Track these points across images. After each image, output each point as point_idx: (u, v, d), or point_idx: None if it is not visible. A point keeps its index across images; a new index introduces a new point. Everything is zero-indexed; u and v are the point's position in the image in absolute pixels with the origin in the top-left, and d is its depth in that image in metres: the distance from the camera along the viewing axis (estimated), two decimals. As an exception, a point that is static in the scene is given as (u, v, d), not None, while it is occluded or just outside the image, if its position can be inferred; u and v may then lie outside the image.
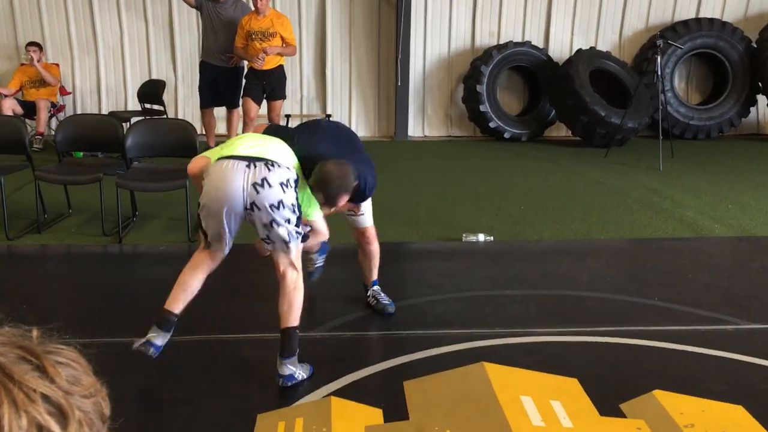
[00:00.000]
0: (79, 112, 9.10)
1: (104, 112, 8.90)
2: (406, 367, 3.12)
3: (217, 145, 3.74)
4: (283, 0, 9.14)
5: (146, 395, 2.96)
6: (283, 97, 7.13)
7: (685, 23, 9.34)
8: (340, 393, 2.89)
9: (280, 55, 6.87)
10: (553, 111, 9.20)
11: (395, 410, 2.75)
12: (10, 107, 7.89)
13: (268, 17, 6.74)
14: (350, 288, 4.01)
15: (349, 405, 2.80)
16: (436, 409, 2.78)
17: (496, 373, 3.07)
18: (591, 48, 9.23)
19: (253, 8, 6.86)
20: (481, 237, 4.97)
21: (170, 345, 3.32)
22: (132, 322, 3.59)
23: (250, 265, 4.06)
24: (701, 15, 9.55)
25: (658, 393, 2.87)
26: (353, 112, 9.62)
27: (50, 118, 8.33)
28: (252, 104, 6.96)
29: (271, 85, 6.96)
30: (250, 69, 6.93)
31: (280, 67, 6.95)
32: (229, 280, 4.38)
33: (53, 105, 8.30)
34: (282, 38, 6.79)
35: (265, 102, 7.15)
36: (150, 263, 4.62)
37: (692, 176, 7.15)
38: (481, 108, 8.99)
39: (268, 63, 6.76)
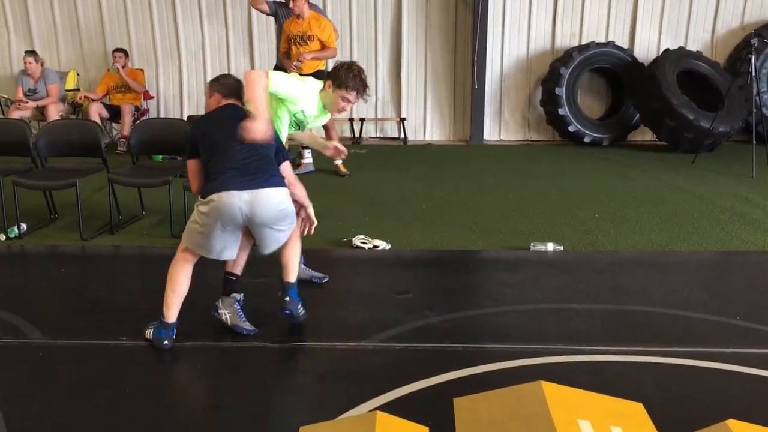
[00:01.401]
0: (162, 115, 9.42)
1: (185, 115, 9.16)
2: (458, 383, 2.99)
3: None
4: (359, 2, 9.15)
5: (193, 399, 2.95)
6: None
7: (784, 20, 8.73)
8: (386, 407, 2.78)
9: (317, 59, 6.83)
10: (638, 114, 8.78)
11: (442, 428, 2.63)
12: (97, 111, 8.23)
13: (306, 20, 6.72)
14: (406, 298, 3.91)
15: (394, 421, 2.69)
16: (486, 429, 2.63)
17: (553, 393, 2.88)
18: (680, 48, 8.76)
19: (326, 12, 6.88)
20: (551, 246, 4.75)
21: (218, 350, 3.33)
22: (188, 322, 3.61)
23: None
24: (803, 11, 8.91)
25: (732, 423, 2.62)
26: (428, 116, 9.51)
27: (134, 121, 8.63)
28: None
29: None
30: None
31: (319, 71, 6.89)
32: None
33: (137, 109, 8.60)
34: (320, 41, 6.76)
35: None
36: (212, 266, 4.64)
37: (788, 184, 6.65)
38: (560, 111, 8.69)
39: (306, 67, 6.72)
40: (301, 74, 6.79)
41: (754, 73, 7.49)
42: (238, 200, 3.19)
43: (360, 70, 3.67)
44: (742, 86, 8.26)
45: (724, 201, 6.06)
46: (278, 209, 3.30)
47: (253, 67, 9.32)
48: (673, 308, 3.79)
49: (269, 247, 3.42)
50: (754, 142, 7.17)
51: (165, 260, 4.73)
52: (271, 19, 8.56)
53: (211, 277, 3.69)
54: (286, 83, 3.64)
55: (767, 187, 6.50)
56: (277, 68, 7.36)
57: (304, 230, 3.80)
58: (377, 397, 2.86)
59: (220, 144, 3.35)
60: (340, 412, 2.77)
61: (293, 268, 3.54)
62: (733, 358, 3.16)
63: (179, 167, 5.56)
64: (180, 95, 9.52)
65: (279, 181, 3.35)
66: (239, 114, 3.41)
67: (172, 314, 3.37)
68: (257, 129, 3.24)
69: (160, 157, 6.81)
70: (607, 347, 3.31)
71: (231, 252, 3.43)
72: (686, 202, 6.07)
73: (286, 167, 3.56)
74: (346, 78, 3.61)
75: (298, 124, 3.84)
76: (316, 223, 3.83)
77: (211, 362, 3.24)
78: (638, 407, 2.76)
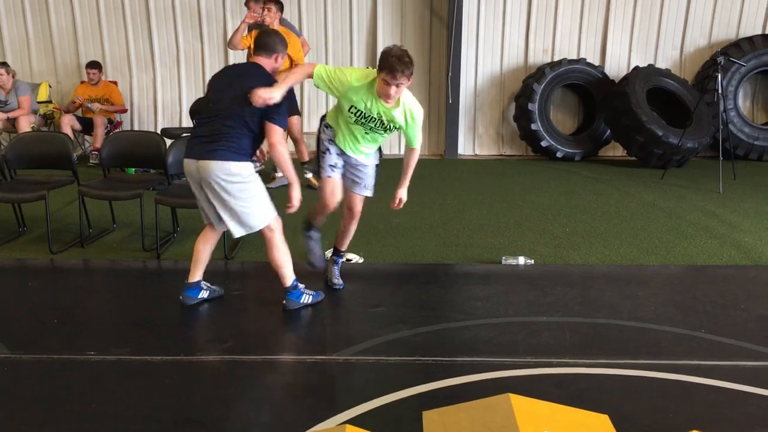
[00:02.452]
0: (136, 128, 9.36)
1: (159, 128, 9.11)
2: (428, 396, 3.01)
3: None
4: (334, 16, 9.20)
5: (161, 414, 2.93)
6: (296, 113, 7.04)
7: (750, 40, 8.95)
8: (355, 421, 2.79)
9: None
10: (608, 130, 8.93)
11: (411, 442, 2.64)
12: (69, 123, 8.15)
13: None
14: (378, 312, 3.92)
15: (363, 435, 2.70)
16: (454, 442, 2.64)
17: (521, 405, 2.91)
18: (649, 65, 8.93)
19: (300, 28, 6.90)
20: (522, 260, 4.80)
21: (189, 364, 3.31)
22: (155, 338, 3.59)
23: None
24: (768, 31, 9.14)
25: (695, 435, 2.67)
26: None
27: (107, 134, 8.56)
28: None
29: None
30: None
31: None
32: (260, 297, 4.36)
33: (110, 121, 8.54)
34: (289, 57, 6.78)
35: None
36: (183, 279, 4.63)
37: (754, 199, 6.79)
38: (533, 126, 8.80)
39: None
40: None
41: (720, 91, 7.66)
42: (193, 168, 3.71)
43: (394, 50, 3.62)
44: (710, 103, 8.44)
45: (691, 216, 6.17)
46: (220, 181, 3.63)
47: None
48: (640, 321, 3.85)
49: (232, 223, 3.77)
50: (721, 158, 7.32)
51: (135, 274, 4.72)
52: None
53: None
54: (326, 74, 3.79)
55: (734, 203, 6.64)
56: None
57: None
58: (347, 411, 2.87)
59: (209, 103, 3.83)
60: (310, 425, 2.76)
61: (284, 274, 3.89)
62: (697, 371, 3.22)
63: (151, 180, 5.54)
64: (154, 108, 9.47)
65: (227, 154, 3.61)
66: (244, 73, 3.85)
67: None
68: (263, 95, 3.57)
69: (133, 170, 6.77)
70: (575, 360, 3.35)
71: (213, 219, 3.87)
72: (655, 216, 6.17)
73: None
74: (381, 61, 3.62)
75: (369, 123, 3.87)
76: (295, 205, 3.93)
77: (180, 376, 3.22)
78: (604, 419, 2.79)
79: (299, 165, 7.24)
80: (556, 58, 9.16)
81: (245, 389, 3.09)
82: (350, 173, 4.11)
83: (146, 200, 5.05)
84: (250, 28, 7.07)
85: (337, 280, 4.34)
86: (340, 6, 9.21)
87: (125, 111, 8.92)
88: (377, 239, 5.40)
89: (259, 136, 3.77)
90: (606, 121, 8.86)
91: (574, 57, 9.17)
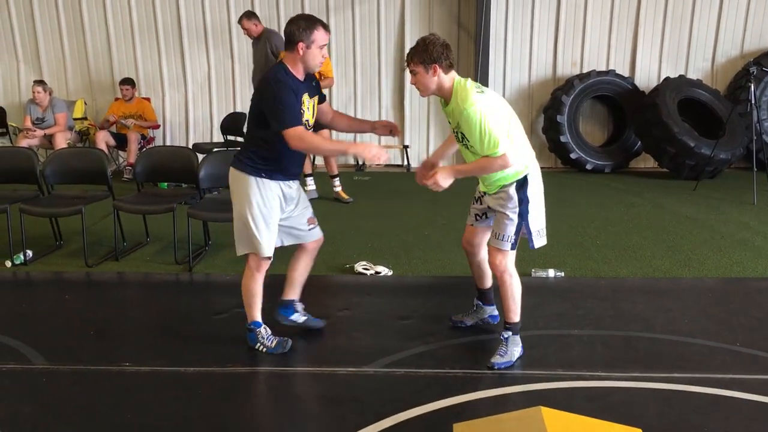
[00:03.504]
0: (168, 143, 9.52)
1: (191, 144, 9.25)
2: (458, 409, 3.00)
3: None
4: (362, 30, 9.28)
5: (192, 423, 2.96)
6: (325, 127, 7.10)
7: (783, 49, 8.82)
8: (386, 433, 2.80)
9: None
10: (639, 142, 8.84)
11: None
12: (104, 139, 8.33)
13: None
14: (408, 324, 3.93)
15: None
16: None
17: (553, 419, 2.89)
18: (680, 76, 8.84)
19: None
20: (552, 272, 4.78)
21: (221, 375, 3.35)
22: (188, 350, 3.64)
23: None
24: (802, 40, 9.00)
25: (731, 449, 2.63)
26: (431, 144, 9.59)
27: (141, 149, 8.72)
28: None
29: None
30: None
31: None
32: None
33: (143, 137, 8.70)
34: (319, 72, 6.86)
35: None
36: (215, 292, 4.69)
37: (790, 211, 6.67)
38: (562, 138, 8.76)
39: None
40: None
41: (753, 101, 7.56)
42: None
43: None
44: (743, 114, 8.31)
45: (725, 228, 6.08)
46: (231, 187, 3.51)
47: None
48: (673, 334, 3.80)
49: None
50: (755, 169, 7.21)
51: (168, 286, 4.80)
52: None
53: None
54: None
55: (769, 214, 6.53)
56: None
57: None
58: (377, 423, 2.88)
59: None
60: (341, 437, 2.78)
61: (292, 285, 3.80)
62: (733, 385, 3.17)
63: (184, 194, 5.63)
64: (186, 124, 9.63)
65: (235, 162, 3.47)
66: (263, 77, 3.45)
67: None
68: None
69: (165, 184, 6.88)
70: (607, 373, 3.32)
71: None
72: (688, 229, 6.09)
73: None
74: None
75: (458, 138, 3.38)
76: (375, 154, 3.32)
77: (213, 387, 3.26)
78: (637, 433, 2.77)
79: (328, 178, 7.31)
80: (585, 70, 9.12)
81: (277, 401, 3.12)
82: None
83: (178, 214, 5.13)
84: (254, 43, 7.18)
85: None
86: (368, 21, 9.29)
87: (158, 127, 9.09)
88: (406, 252, 5.41)
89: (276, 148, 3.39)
90: (636, 132, 8.78)
91: (603, 68, 9.12)
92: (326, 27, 3.31)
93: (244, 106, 9.43)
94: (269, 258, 3.53)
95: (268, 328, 3.64)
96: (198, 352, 3.63)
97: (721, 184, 8.06)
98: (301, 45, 3.22)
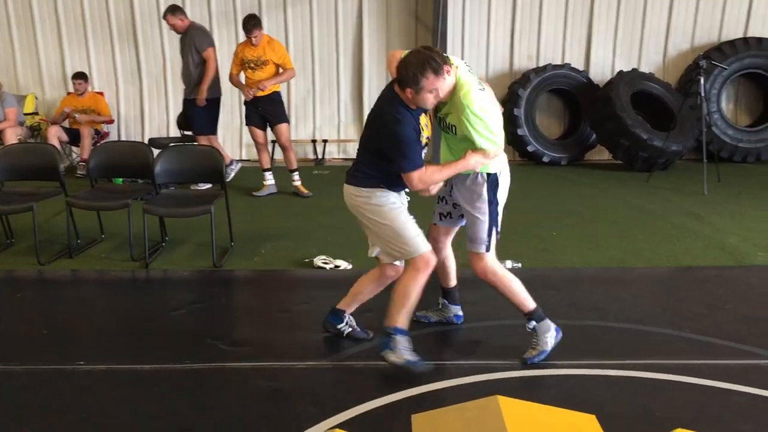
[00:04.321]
0: (123, 138, 9.35)
1: (146, 138, 9.11)
2: (417, 400, 3.03)
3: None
4: (320, 23, 9.25)
5: (151, 423, 2.93)
6: (284, 121, 7.08)
7: (731, 43, 9.06)
8: (345, 426, 2.81)
9: (278, 83, 6.95)
10: (594, 134, 9.00)
11: (401, 445, 2.67)
12: (56, 135, 8.14)
13: (260, 45, 6.80)
14: (367, 317, 3.93)
15: (352, 439, 2.73)
16: (443, 444, 2.67)
17: (510, 407, 2.94)
18: (633, 70, 9.02)
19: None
20: (509, 264, 4.84)
21: (179, 372, 3.32)
22: (143, 347, 3.60)
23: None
24: (749, 34, 9.25)
25: (680, 432, 2.71)
26: (390, 137, 9.60)
27: (95, 144, 8.55)
28: (256, 131, 7.06)
29: (267, 112, 6.97)
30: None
31: (275, 93, 6.97)
32: (249, 305, 4.37)
33: (97, 132, 8.53)
34: (275, 64, 6.85)
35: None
36: (171, 288, 4.64)
37: (738, 201, 6.87)
38: (519, 132, 8.86)
39: (259, 91, 6.86)
40: (258, 98, 6.91)
41: (704, 94, 7.75)
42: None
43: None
44: (693, 106, 8.53)
45: (677, 218, 6.23)
46: (349, 204, 3.40)
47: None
48: (627, 323, 3.89)
49: (371, 242, 3.50)
50: (705, 161, 7.41)
51: (124, 284, 4.73)
52: (232, 42, 8.66)
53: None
54: None
55: (718, 204, 6.71)
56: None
57: None
58: (336, 416, 2.89)
59: None
60: (300, 431, 2.78)
61: (351, 298, 3.66)
62: (683, 370, 3.26)
63: (139, 190, 5.54)
64: (141, 118, 9.47)
65: (351, 179, 3.35)
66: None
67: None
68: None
69: (120, 180, 6.77)
70: (562, 361, 3.38)
71: (376, 250, 3.51)
72: (641, 219, 6.23)
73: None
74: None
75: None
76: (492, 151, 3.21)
77: (170, 385, 3.22)
78: (591, 419, 2.83)
79: (287, 172, 7.28)
80: (541, 64, 9.24)
81: (235, 397, 3.10)
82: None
83: (134, 210, 5.06)
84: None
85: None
86: (326, 14, 9.26)
87: (112, 122, 8.92)
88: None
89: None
90: (591, 125, 8.94)
91: (559, 62, 9.25)
92: (437, 70, 3.01)
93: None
94: (431, 250, 3.34)
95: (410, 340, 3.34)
96: (155, 349, 3.59)
97: (672, 175, 8.26)
98: (409, 90, 3.06)
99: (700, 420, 2.79)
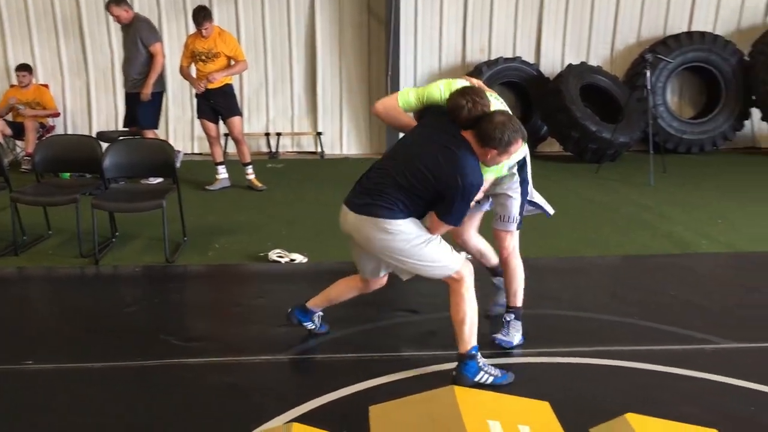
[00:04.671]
0: (69, 132, 9.10)
1: (94, 132, 8.88)
2: (374, 392, 3.05)
3: None
4: (272, 14, 9.15)
5: (105, 422, 2.88)
6: (236, 114, 7.01)
7: (676, 37, 9.30)
8: (303, 419, 2.81)
9: (230, 75, 6.88)
10: (545, 127, 9.15)
11: (359, 437, 2.68)
12: (-1, 128, 7.89)
13: (211, 37, 6.71)
14: (325, 310, 3.93)
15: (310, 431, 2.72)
16: (401, 434, 2.69)
17: (465, 396, 2.97)
18: (582, 63, 9.19)
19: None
20: (463, 255, 4.87)
21: (132, 369, 3.27)
22: (95, 345, 3.53)
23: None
24: (693, 29, 9.51)
25: (630, 416, 2.77)
26: (344, 129, 9.59)
27: (40, 138, 8.31)
28: (208, 124, 6.99)
29: (219, 105, 6.89)
30: None
31: (226, 86, 6.90)
32: (204, 300, 4.33)
33: (42, 126, 8.29)
34: (227, 56, 6.78)
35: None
36: (123, 285, 4.55)
37: (683, 191, 7.07)
38: (472, 124, 8.93)
39: (214, 84, 6.78)
40: (209, 90, 6.81)
41: (650, 87, 7.94)
42: (343, 218, 3.14)
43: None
44: (640, 99, 8.73)
45: (625, 208, 6.39)
46: (367, 239, 3.05)
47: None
48: (578, 311, 3.98)
49: (400, 273, 3.24)
50: (652, 152, 7.60)
51: (73, 281, 4.62)
52: (182, 33, 8.51)
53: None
54: None
55: (664, 195, 6.90)
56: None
57: None
58: (293, 409, 2.88)
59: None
60: (257, 425, 2.77)
61: (326, 301, 3.53)
62: (630, 356, 3.35)
63: (88, 185, 5.41)
64: (88, 111, 9.24)
65: (376, 211, 2.98)
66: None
67: None
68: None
69: (68, 174, 6.60)
70: (516, 350, 3.45)
71: (368, 271, 3.31)
72: (591, 210, 6.37)
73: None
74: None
75: None
76: None
77: (123, 383, 3.17)
78: (545, 406, 2.88)
79: (240, 166, 7.20)
80: (493, 57, 9.33)
81: (191, 393, 3.06)
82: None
83: (82, 205, 4.94)
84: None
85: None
86: (277, 6, 9.17)
87: (58, 115, 8.68)
88: (321, 239, 5.41)
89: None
90: (542, 117, 9.08)
91: (510, 55, 9.36)
92: (524, 138, 3.04)
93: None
94: (466, 259, 3.22)
95: None
96: (106, 347, 3.52)
97: (621, 166, 8.45)
98: (493, 151, 2.94)
99: (649, 404, 2.87)
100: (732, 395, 2.96)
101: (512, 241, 3.49)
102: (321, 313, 3.60)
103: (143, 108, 7.02)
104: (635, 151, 9.11)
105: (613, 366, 3.26)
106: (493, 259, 3.80)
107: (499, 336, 3.52)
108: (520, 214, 3.46)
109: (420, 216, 3.09)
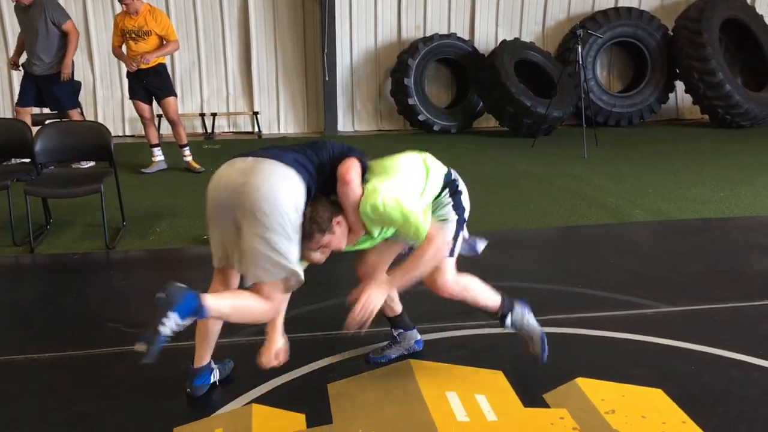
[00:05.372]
0: (-9, 116, 8.68)
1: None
2: (332, 369, 3.06)
3: None
4: (203, -5, 8.93)
5: (57, 412, 2.80)
6: (171, 94, 6.82)
7: (604, 13, 9.55)
8: (261, 400, 2.81)
9: (162, 56, 6.69)
10: (481, 102, 9.27)
11: (319, 414, 2.70)
12: None
13: (141, 15, 6.50)
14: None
15: (270, 412, 2.73)
16: (360, 410, 2.73)
17: (422, 370, 3.04)
18: (515, 39, 9.33)
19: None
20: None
21: (80, 358, 3.18)
22: (37, 335, 3.42)
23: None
24: (620, 4, 9.79)
25: (580, 381, 2.90)
26: (281, 109, 9.48)
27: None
28: (141, 105, 6.79)
29: (153, 85, 6.71)
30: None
31: (160, 65, 6.71)
32: (149, 285, 4.23)
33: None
34: (158, 35, 6.60)
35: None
36: (62, 273, 4.41)
37: (615, 163, 7.32)
38: (410, 101, 8.98)
39: (148, 64, 6.60)
40: (142, 70, 6.60)
41: (581, 62, 8.15)
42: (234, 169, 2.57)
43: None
44: (571, 74, 8.95)
45: (561, 180, 6.57)
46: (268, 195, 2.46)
47: (91, 61, 8.83)
48: (523, 281, 4.08)
49: (241, 264, 2.60)
50: (584, 125, 7.82)
51: (8, 270, 4.44)
52: (110, 12, 8.22)
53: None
54: None
55: (598, 166, 7.12)
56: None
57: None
58: (251, 390, 2.88)
59: None
60: (216, 408, 2.75)
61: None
62: (576, 323, 3.47)
63: (18, 170, 5.19)
64: (10, 92, 8.81)
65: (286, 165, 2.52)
66: None
67: None
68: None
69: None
70: (467, 323, 3.51)
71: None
72: (528, 183, 6.52)
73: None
74: None
75: None
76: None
77: (71, 373, 3.08)
78: (498, 375, 2.98)
79: (176, 148, 7.03)
80: (428, 33, 9.37)
81: (143, 380, 3.01)
82: None
83: (14, 191, 4.73)
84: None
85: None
86: (208, -18, 8.95)
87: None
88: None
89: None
90: (478, 93, 9.19)
91: (446, 32, 9.41)
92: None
93: (76, 74, 8.76)
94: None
95: None
96: (51, 337, 3.41)
97: (555, 140, 8.67)
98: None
99: (597, 368, 2.99)
100: (674, 356, 3.11)
101: (445, 276, 2.83)
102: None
103: (64, 89, 6.76)
104: (568, 125, 9.35)
105: (560, 333, 3.37)
106: (397, 308, 3.17)
107: (535, 352, 2.95)
108: (454, 238, 2.87)
109: None
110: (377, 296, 2.59)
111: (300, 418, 2.68)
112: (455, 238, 2.90)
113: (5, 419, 2.72)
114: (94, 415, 2.74)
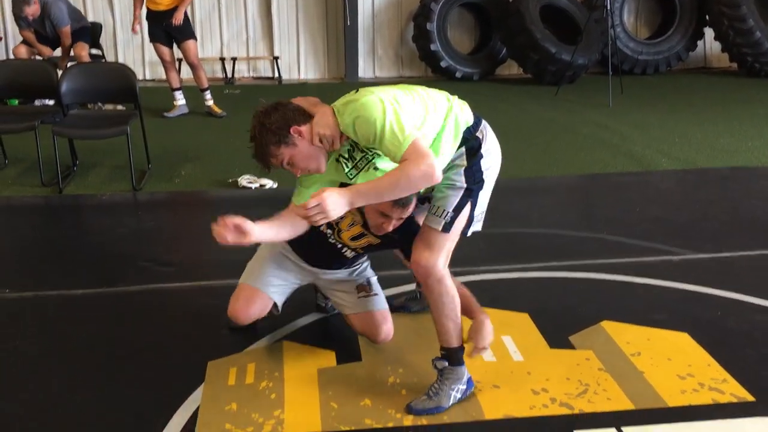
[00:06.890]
0: (11, 57, 8.65)
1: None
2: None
3: None
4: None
5: (93, 347, 2.88)
6: (191, 37, 6.74)
7: (634, -43, 9.29)
8: (292, 337, 2.87)
9: (184, 8, 6.58)
10: (504, 49, 9.12)
11: (348, 353, 2.75)
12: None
13: None
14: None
15: (301, 348, 2.79)
16: (389, 350, 2.78)
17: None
18: (541, -17, 9.11)
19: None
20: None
21: (114, 295, 3.26)
22: (71, 273, 3.50)
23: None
24: (649, -52, 9.50)
25: (605, 324, 2.93)
26: (302, 54, 9.39)
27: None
28: (162, 48, 6.73)
29: (172, 28, 6.61)
30: (149, 12, 6.66)
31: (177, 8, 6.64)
32: (179, 226, 4.30)
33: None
34: None
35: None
36: (91, 213, 4.47)
37: (641, 111, 7.21)
38: (432, 47, 8.85)
39: (162, 4, 6.51)
40: (160, 13, 6.53)
41: (608, 7, 7.96)
42: None
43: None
44: (598, 20, 8.75)
45: (585, 129, 6.50)
46: None
47: (111, 3, 8.75)
48: (548, 228, 4.10)
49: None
50: (610, 73, 7.69)
51: (38, 210, 4.51)
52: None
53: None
54: None
55: (623, 115, 7.03)
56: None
57: None
58: (282, 327, 2.93)
59: None
60: (247, 345, 2.81)
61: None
62: (602, 268, 3.48)
63: (45, 112, 5.22)
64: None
65: None
66: None
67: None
68: None
69: (16, 101, 6.34)
70: (493, 266, 3.54)
71: None
72: (552, 131, 6.46)
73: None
74: None
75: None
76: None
77: (104, 309, 3.16)
78: (524, 317, 3.02)
79: (198, 92, 7.02)
80: (452, -23, 9.17)
81: (173, 317, 3.07)
82: None
83: (42, 133, 4.77)
84: None
85: None
86: None
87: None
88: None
89: None
90: (502, 39, 9.04)
91: (470, -25, 9.21)
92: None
93: (96, 15, 8.72)
94: None
95: None
96: (85, 274, 3.48)
97: (579, 88, 8.54)
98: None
99: (622, 312, 3.01)
100: (699, 302, 3.13)
101: (441, 253, 2.39)
102: None
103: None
104: (592, 73, 9.20)
105: (585, 278, 3.39)
106: None
107: (418, 404, 2.40)
108: (455, 211, 2.38)
109: None
110: (335, 201, 2.10)
111: (330, 355, 2.73)
112: (461, 214, 2.38)
113: (45, 350, 2.81)
114: (132, 349, 2.82)
